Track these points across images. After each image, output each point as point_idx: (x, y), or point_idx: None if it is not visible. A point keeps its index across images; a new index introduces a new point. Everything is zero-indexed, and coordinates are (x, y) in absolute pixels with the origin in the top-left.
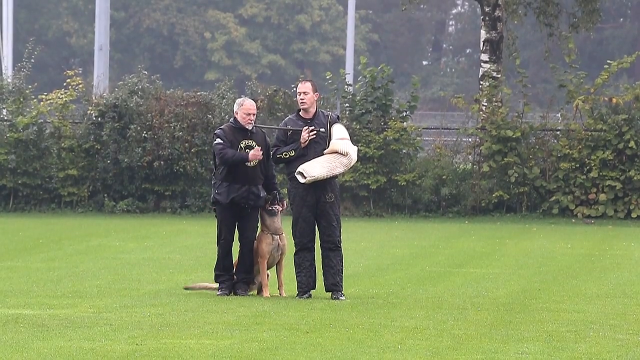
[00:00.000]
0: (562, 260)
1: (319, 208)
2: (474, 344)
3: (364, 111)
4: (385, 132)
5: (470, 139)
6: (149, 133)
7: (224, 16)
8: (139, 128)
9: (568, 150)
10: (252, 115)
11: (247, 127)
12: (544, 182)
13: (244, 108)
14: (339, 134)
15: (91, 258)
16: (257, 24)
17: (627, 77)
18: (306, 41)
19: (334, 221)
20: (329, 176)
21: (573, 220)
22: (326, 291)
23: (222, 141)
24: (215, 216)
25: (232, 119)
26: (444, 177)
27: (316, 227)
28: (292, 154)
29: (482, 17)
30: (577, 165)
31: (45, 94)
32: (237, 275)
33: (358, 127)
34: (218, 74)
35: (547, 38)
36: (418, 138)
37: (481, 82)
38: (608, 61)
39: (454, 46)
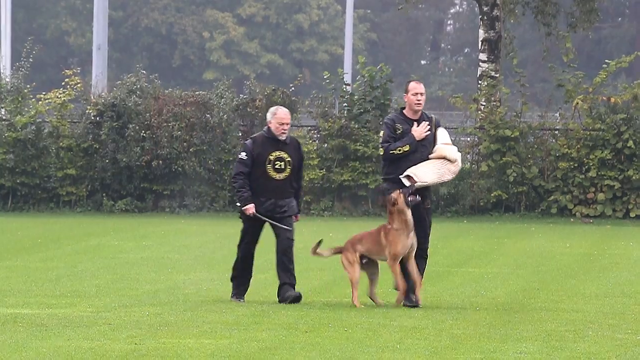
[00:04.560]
0: (560, 259)
1: (414, 214)
2: (472, 343)
3: (362, 110)
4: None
5: (468, 139)
6: (147, 132)
7: (222, 16)
8: (137, 127)
9: (566, 150)
10: (285, 125)
11: (280, 137)
12: (543, 182)
13: (278, 117)
14: (445, 139)
15: (90, 257)
16: (255, 23)
17: (626, 76)
18: (304, 40)
19: (428, 228)
20: (437, 183)
21: (571, 220)
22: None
23: (245, 158)
24: (240, 217)
25: (265, 128)
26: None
27: None
28: (407, 149)
29: (480, 17)
30: (576, 165)
31: (44, 93)
32: (281, 280)
33: (356, 126)
34: (216, 74)
35: (545, 37)
36: None
37: (479, 82)
38: (606, 61)
39: (452, 45)
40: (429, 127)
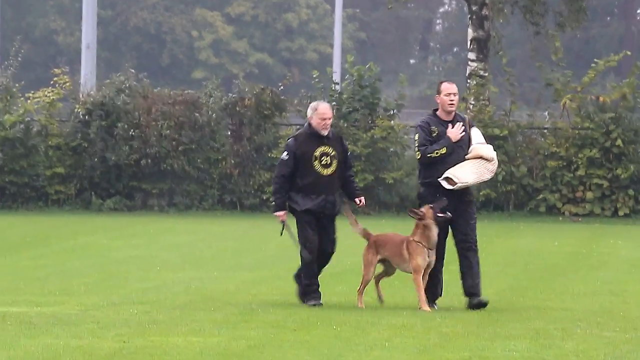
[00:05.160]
0: (549, 258)
1: (457, 208)
2: (461, 341)
3: (351, 109)
4: (372, 131)
5: None
6: (136, 131)
7: (211, 15)
8: (126, 126)
9: (555, 149)
10: (327, 120)
11: (322, 132)
12: (531, 181)
13: (319, 112)
14: (480, 138)
15: (78, 256)
16: (244, 22)
17: (614, 75)
18: (293, 39)
19: (472, 219)
20: (477, 183)
21: (560, 219)
22: (465, 295)
23: (286, 159)
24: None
25: (306, 124)
26: None
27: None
28: (444, 152)
29: (469, 16)
30: (564, 164)
31: (33, 92)
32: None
33: (345, 125)
34: (205, 73)
35: (534, 37)
36: (405, 136)
37: (468, 81)
38: (595, 60)
39: (441, 44)
40: (463, 127)
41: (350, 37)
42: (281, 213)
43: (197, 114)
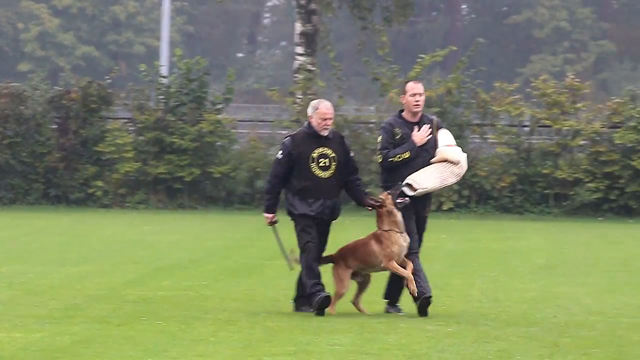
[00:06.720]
0: None
1: (409, 225)
2: (285, 335)
3: (178, 103)
4: (200, 124)
5: (285, 131)
6: None
7: (37, 7)
8: None
9: None
10: (328, 120)
11: (322, 133)
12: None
13: (320, 112)
14: (447, 140)
15: None
16: (71, 15)
17: (440, 70)
18: (121, 32)
19: (421, 234)
20: (440, 187)
21: None
22: (415, 300)
23: (280, 158)
24: (295, 224)
25: (305, 123)
26: (258, 169)
27: None
28: (407, 156)
29: (297, 10)
30: None
31: None
32: (300, 292)
33: (173, 119)
34: (31, 65)
35: (361, 31)
36: (233, 130)
37: (296, 75)
38: (421, 55)
39: (269, 39)
40: (430, 130)
41: (178, 30)
42: (270, 215)
43: (22, 107)
